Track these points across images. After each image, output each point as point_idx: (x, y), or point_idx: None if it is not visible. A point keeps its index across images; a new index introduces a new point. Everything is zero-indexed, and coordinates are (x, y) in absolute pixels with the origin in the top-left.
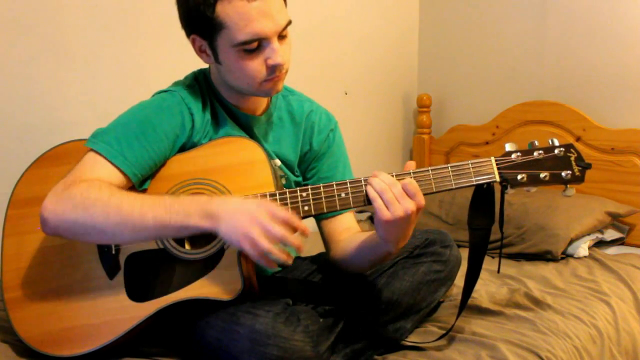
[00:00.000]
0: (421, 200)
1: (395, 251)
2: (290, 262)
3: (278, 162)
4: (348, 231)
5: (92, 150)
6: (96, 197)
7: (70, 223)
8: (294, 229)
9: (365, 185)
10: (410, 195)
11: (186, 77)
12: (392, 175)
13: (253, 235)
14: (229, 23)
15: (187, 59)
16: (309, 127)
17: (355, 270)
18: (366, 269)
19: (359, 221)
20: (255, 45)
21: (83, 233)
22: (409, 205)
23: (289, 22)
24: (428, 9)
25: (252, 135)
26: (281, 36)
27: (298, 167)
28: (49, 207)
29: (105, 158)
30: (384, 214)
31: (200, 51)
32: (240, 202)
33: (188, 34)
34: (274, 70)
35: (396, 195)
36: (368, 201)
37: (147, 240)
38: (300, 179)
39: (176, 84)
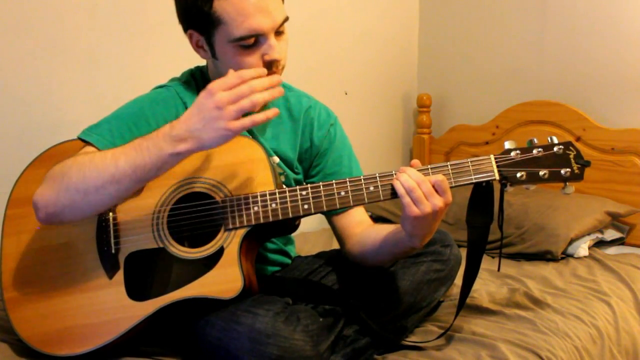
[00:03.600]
0: (449, 197)
1: (420, 246)
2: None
3: (277, 159)
4: (361, 225)
5: (85, 143)
6: (71, 162)
7: (55, 197)
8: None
9: (394, 180)
10: (440, 192)
11: (182, 74)
12: (392, 173)
13: (232, 112)
14: (226, 19)
15: (187, 57)
16: (308, 123)
17: (375, 264)
18: (387, 263)
19: None
20: (252, 41)
21: (70, 203)
22: (438, 202)
23: (286, 19)
24: (428, 8)
25: (249, 132)
26: (278, 32)
27: (299, 164)
28: (38, 192)
29: (97, 148)
30: (413, 210)
31: (197, 46)
32: (195, 108)
33: (185, 29)
34: (271, 66)
35: (425, 193)
36: (394, 195)
37: (135, 187)
38: (300, 176)
39: (172, 80)
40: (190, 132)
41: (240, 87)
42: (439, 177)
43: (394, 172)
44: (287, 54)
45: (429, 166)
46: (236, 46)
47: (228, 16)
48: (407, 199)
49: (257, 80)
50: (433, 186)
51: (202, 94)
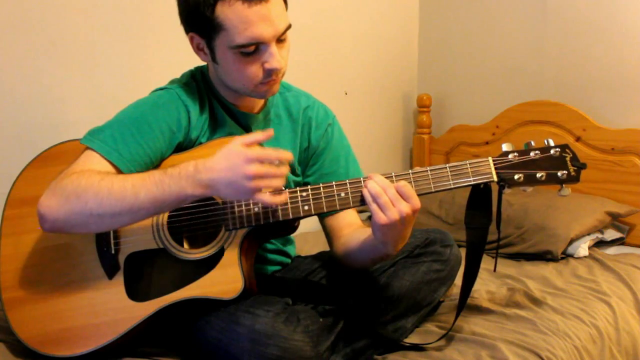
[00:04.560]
0: (416, 203)
1: (393, 252)
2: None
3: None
4: (350, 227)
5: (87, 148)
6: (86, 184)
7: (66, 214)
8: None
9: (363, 187)
10: (405, 198)
11: (183, 75)
12: (391, 176)
13: (260, 185)
14: (228, 25)
15: (188, 57)
16: (307, 122)
17: (358, 267)
18: (368, 267)
19: None
20: (253, 49)
21: (82, 223)
22: (404, 208)
23: (289, 26)
24: (428, 8)
25: (250, 133)
26: (280, 40)
27: (299, 165)
28: (44, 203)
29: (100, 155)
30: (380, 217)
31: (198, 49)
32: (224, 160)
33: (187, 31)
34: (270, 74)
35: (391, 199)
36: (364, 202)
37: (148, 217)
38: (299, 178)
39: (173, 81)
40: (213, 182)
41: (275, 170)
42: (401, 183)
43: (393, 174)
44: (287, 60)
45: (427, 168)
46: (237, 52)
47: (230, 23)
48: (374, 206)
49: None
50: (398, 192)
51: (238, 153)
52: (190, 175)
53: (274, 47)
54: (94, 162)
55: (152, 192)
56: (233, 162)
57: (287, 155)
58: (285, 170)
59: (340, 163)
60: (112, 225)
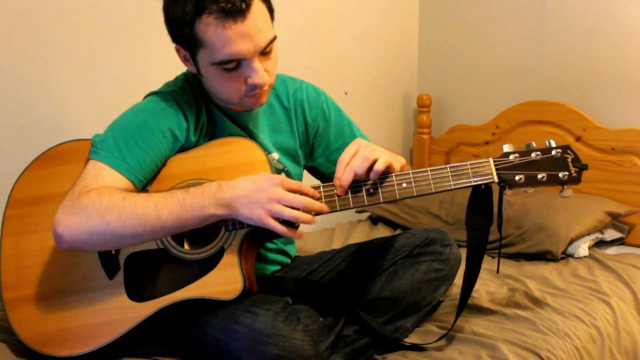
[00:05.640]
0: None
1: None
2: (314, 221)
3: (276, 155)
4: None
5: (94, 159)
6: (109, 203)
7: (86, 234)
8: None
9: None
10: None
11: (176, 79)
12: (391, 176)
13: (275, 210)
14: (206, 42)
15: None
16: (299, 106)
17: None
18: None
19: (358, 221)
20: (234, 65)
21: (102, 242)
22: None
23: (273, 39)
24: (428, 8)
25: (248, 132)
26: (264, 52)
27: (302, 150)
28: (62, 222)
29: (109, 166)
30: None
31: (185, 60)
32: (250, 182)
33: (173, 42)
34: (254, 88)
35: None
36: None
37: (168, 235)
38: (300, 169)
39: (167, 85)
40: (234, 201)
41: (298, 197)
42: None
43: (393, 175)
44: (275, 71)
45: (428, 169)
46: (219, 68)
47: (208, 40)
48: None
49: (311, 202)
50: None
51: (267, 178)
52: (213, 193)
53: (256, 63)
54: (104, 175)
55: (175, 211)
56: (258, 186)
57: (315, 193)
58: (307, 203)
59: (346, 134)
60: (132, 243)
